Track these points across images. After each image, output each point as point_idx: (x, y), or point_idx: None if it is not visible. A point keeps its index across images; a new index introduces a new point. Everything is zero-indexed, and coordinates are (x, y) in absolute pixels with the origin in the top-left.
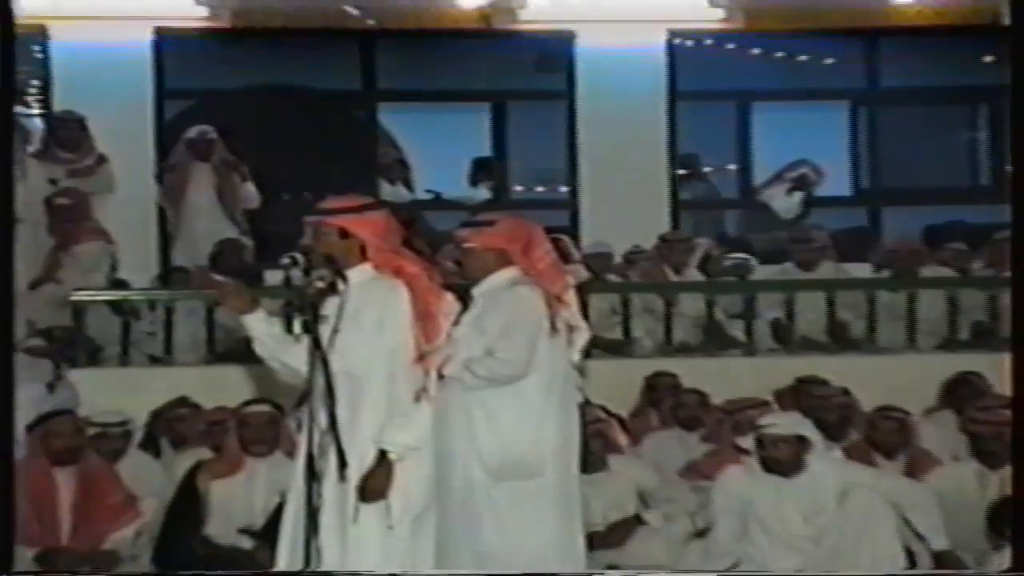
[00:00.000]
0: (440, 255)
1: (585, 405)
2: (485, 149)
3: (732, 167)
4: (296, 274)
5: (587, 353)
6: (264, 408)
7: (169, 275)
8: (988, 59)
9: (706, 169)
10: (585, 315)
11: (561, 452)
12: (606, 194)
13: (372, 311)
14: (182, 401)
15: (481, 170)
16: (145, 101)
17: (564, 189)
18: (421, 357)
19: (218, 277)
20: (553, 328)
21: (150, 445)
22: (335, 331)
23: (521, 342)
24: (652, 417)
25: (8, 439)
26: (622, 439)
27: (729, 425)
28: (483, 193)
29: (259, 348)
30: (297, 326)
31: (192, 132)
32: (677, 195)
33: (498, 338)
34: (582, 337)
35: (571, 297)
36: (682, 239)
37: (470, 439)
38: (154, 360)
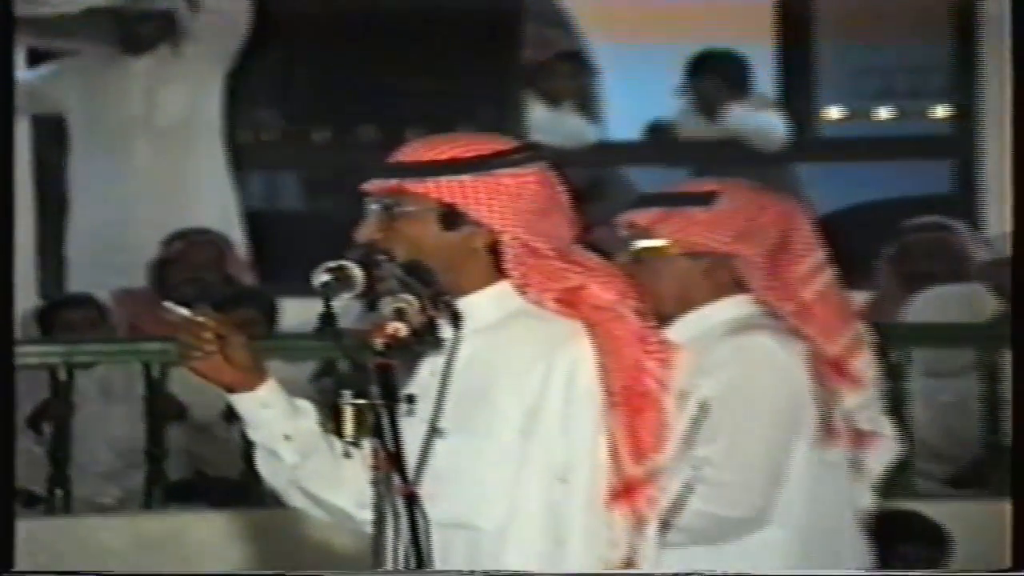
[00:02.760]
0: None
1: None
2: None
3: None
4: (344, 303)
5: None
6: None
7: (64, 310)
8: None
9: None
10: None
11: None
12: None
13: (516, 390)
14: None
15: (704, 80)
16: None
17: (940, 113)
18: (626, 491)
19: (179, 310)
20: (827, 431)
21: None
22: (434, 431)
23: (755, 453)
24: None
25: (9, 437)
26: None
27: None
28: (764, 123)
29: (266, 469)
30: (350, 422)
31: None
32: None
33: (708, 441)
34: (883, 455)
35: (863, 367)
36: None
37: None
38: (32, 500)
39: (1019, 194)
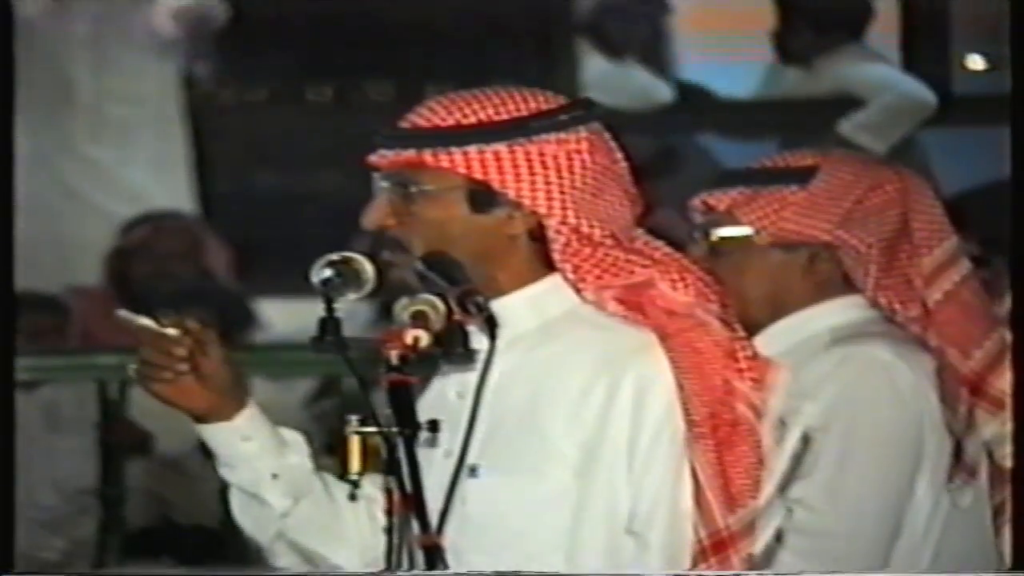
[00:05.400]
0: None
1: None
2: None
3: None
4: (349, 306)
5: None
6: None
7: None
8: None
9: None
10: None
11: None
12: None
13: (569, 418)
14: None
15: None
16: None
17: None
18: (716, 547)
19: (138, 319)
20: (959, 467)
21: None
22: (463, 468)
23: (864, 495)
24: None
25: (9, 436)
26: None
27: None
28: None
29: (246, 517)
30: (356, 455)
31: None
32: None
33: (802, 478)
34: None
35: (1007, 388)
36: None
37: None
38: None
39: (1018, 195)
